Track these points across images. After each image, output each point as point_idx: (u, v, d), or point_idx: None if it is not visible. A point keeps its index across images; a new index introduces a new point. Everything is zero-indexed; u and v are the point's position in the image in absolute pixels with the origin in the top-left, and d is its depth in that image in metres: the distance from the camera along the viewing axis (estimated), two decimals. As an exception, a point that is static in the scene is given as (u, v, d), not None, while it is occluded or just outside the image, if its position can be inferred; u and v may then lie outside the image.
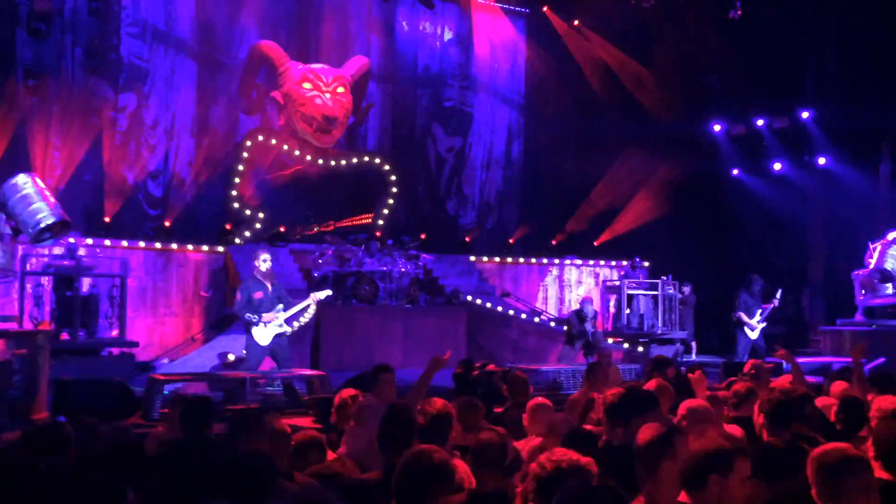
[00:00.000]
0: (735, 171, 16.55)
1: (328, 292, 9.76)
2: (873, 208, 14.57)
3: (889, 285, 11.25)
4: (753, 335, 11.77)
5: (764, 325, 11.80)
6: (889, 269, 11.15)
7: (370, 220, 14.92)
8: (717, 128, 16.62)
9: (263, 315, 8.56)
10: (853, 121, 14.44)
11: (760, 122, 16.00)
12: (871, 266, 11.49)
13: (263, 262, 8.83)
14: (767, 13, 14.49)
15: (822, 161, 15.51)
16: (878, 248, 11.85)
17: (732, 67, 15.67)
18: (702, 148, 16.52)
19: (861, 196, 14.62)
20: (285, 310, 8.76)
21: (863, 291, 11.66)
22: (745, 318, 11.78)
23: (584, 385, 6.34)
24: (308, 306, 9.35)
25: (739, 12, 13.76)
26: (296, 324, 9.93)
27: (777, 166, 16.01)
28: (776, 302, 11.76)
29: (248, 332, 8.75)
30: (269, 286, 8.80)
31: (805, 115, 15.40)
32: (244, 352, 8.99)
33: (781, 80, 15.52)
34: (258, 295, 8.64)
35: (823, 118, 15.13)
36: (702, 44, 16.02)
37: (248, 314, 8.60)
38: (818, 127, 15.29)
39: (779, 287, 11.85)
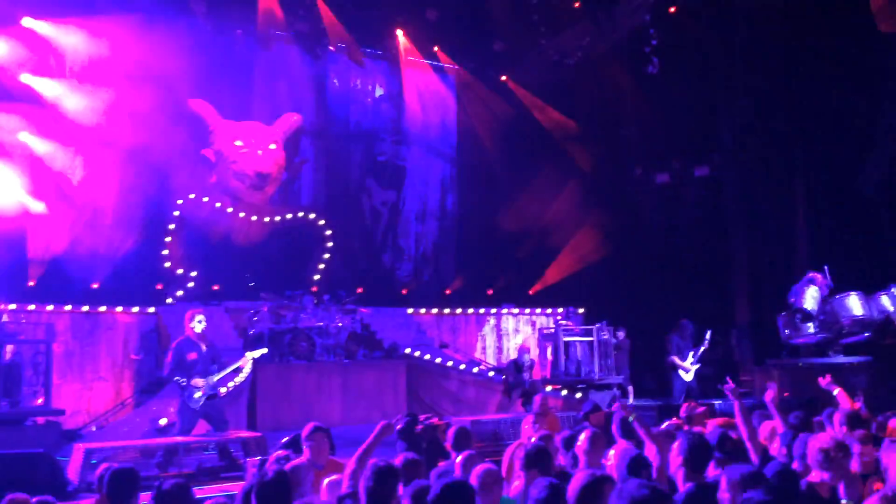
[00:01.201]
0: (658, 218, 17.10)
1: (263, 351, 9.60)
2: (792, 248, 15.20)
3: (810, 324, 11.72)
4: (688, 377, 12.08)
5: (697, 366, 12.12)
6: (808, 308, 11.64)
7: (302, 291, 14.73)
8: (642, 176, 17.19)
9: (193, 380, 8.34)
10: (767, 163, 15.18)
11: (681, 170, 16.64)
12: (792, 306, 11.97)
13: (199, 322, 8.65)
14: (681, 67, 15.23)
15: (741, 205, 16.16)
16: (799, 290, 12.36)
17: (652, 118, 16.35)
18: (627, 196, 17.08)
19: (780, 237, 15.27)
20: (219, 371, 8.58)
21: (786, 331, 12.12)
22: (678, 361, 12.10)
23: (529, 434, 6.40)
24: (242, 366, 9.16)
25: (657, 67, 14.42)
26: (231, 384, 9.73)
27: (698, 212, 16.61)
28: (706, 343, 12.12)
29: (180, 396, 8.52)
30: (203, 347, 8.62)
31: (722, 161, 16.11)
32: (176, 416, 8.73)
33: (698, 130, 16.26)
34: (192, 356, 8.44)
35: (740, 163, 15.83)
36: (622, 97, 16.71)
37: (176, 377, 8.38)
38: (735, 172, 15.99)
39: (708, 329, 12.21)
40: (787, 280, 13.04)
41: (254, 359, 9.17)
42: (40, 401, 9.89)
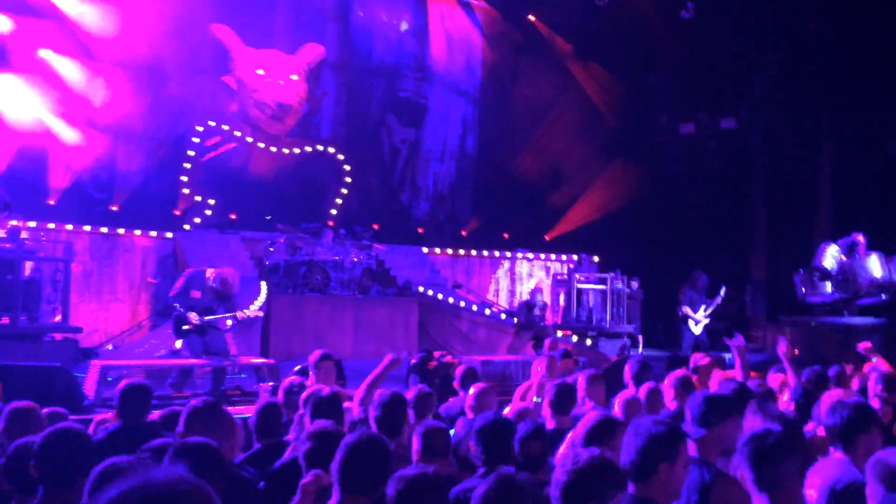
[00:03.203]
0: (680, 169, 16.88)
1: (256, 311, 9.51)
2: (815, 208, 15.01)
3: (828, 283, 11.63)
4: (697, 329, 12.07)
5: (708, 320, 12.10)
6: (828, 267, 11.53)
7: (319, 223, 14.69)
8: (666, 125, 16.92)
9: (189, 313, 8.35)
10: (796, 121, 14.87)
11: (707, 122, 16.34)
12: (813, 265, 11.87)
13: (210, 277, 8.58)
14: (716, 15, 14.81)
15: (765, 161, 15.92)
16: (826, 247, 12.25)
17: (682, 67, 15.98)
18: (650, 145, 16.83)
19: (803, 196, 15.05)
20: (221, 313, 8.54)
21: (803, 289, 12.03)
22: (689, 312, 12.07)
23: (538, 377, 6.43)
24: (238, 317, 9.06)
25: (692, 13, 14.02)
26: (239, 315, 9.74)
27: (721, 166, 16.38)
28: (720, 298, 12.07)
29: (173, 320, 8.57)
30: (212, 289, 8.55)
31: (749, 115, 15.79)
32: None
33: (728, 81, 15.89)
34: (195, 294, 8.46)
35: (767, 119, 15.53)
36: (652, 43, 16.31)
37: (176, 303, 8.40)
38: (762, 127, 15.69)
39: (722, 285, 12.15)
40: (806, 239, 12.92)
41: (244, 317, 9.07)
42: (58, 318, 10.03)
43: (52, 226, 11.54)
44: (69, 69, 12.84)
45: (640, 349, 13.32)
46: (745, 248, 15.74)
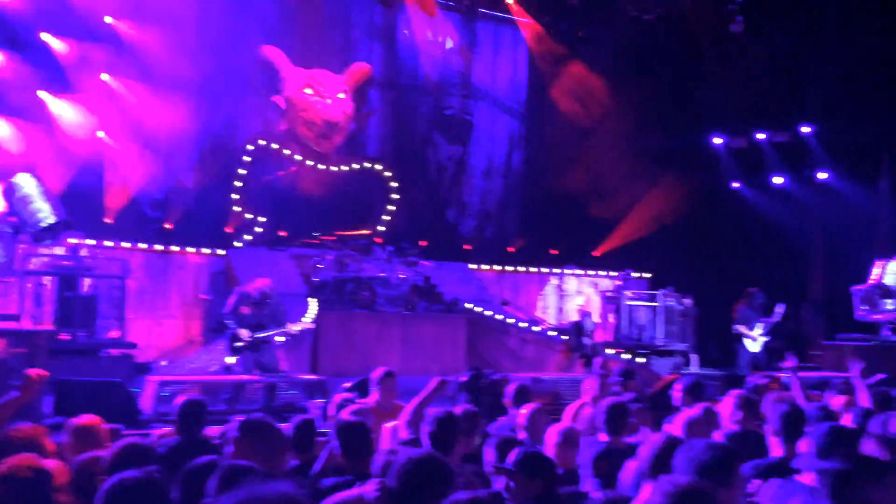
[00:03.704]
0: (735, 185, 16.59)
1: (306, 324, 9.67)
2: (873, 224, 14.61)
3: (889, 301, 11.28)
4: (754, 347, 11.78)
5: (766, 338, 11.80)
6: (889, 284, 11.19)
7: (370, 232, 14.85)
8: (717, 141, 16.68)
9: (239, 329, 8.49)
10: (853, 136, 14.51)
11: (761, 136, 16.06)
12: (872, 282, 11.52)
13: (257, 290, 8.77)
14: (767, 27, 14.58)
15: (822, 176, 15.57)
16: (882, 264, 11.91)
17: (732, 81, 15.75)
18: (702, 161, 16.59)
19: (861, 211, 14.67)
20: (270, 329, 8.68)
21: (862, 307, 11.69)
22: (744, 330, 11.79)
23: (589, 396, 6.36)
24: (288, 332, 9.20)
25: (742, 26, 13.82)
26: (292, 330, 9.85)
27: (777, 180, 16.05)
28: (777, 316, 11.77)
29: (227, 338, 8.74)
30: (262, 304, 8.73)
31: (805, 129, 15.46)
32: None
33: (782, 94, 15.60)
34: (245, 310, 8.61)
35: (823, 133, 15.19)
36: (701, 56, 16.12)
37: (228, 321, 8.58)
38: (818, 142, 15.35)
39: (780, 302, 11.86)
40: (865, 256, 12.57)
41: (293, 332, 9.21)
42: (115, 333, 10.26)
43: (109, 244, 11.83)
44: (126, 91, 13.21)
45: (695, 368, 13.07)
46: (802, 264, 15.38)
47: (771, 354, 12.01)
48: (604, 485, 3.59)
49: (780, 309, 11.85)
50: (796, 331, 14.42)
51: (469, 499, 2.68)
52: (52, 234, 8.85)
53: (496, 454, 3.81)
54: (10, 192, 8.41)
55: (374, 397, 5.69)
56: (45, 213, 8.57)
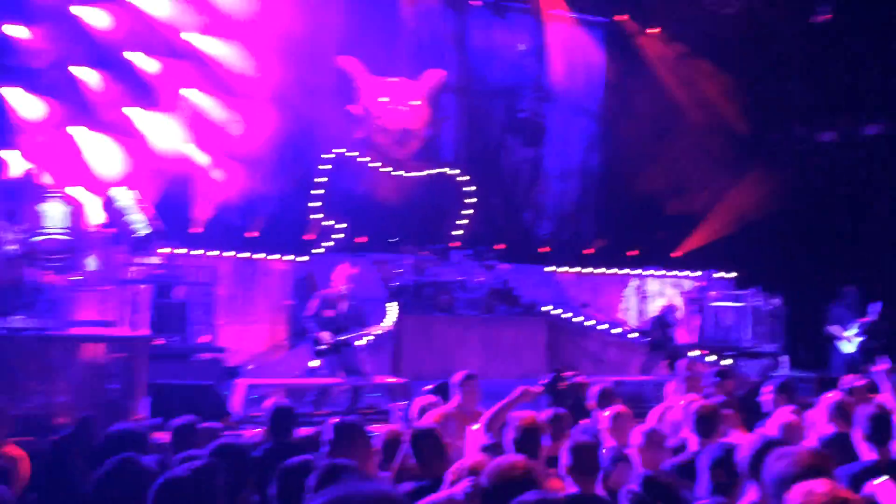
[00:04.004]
0: (823, 179, 15.96)
1: (387, 326, 9.81)
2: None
3: None
4: (849, 348, 11.30)
5: (861, 339, 11.30)
6: None
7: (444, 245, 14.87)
8: (805, 134, 16.09)
9: (321, 332, 8.64)
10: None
11: (850, 130, 15.43)
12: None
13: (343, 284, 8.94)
14: (853, 16, 13.99)
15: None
16: None
17: (818, 72, 15.18)
18: (789, 155, 16.03)
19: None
20: (352, 332, 8.82)
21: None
22: (838, 331, 11.33)
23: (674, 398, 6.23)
24: (370, 333, 9.33)
25: (828, 16, 13.30)
26: (371, 335, 10.00)
27: (867, 174, 15.36)
28: (872, 315, 11.27)
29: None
30: (344, 305, 8.87)
31: (894, 118, 14.78)
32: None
33: (870, 85, 14.94)
34: (328, 313, 8.77)
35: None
36: (784, 48, 15.59)
37: (310, 324, 8.76)
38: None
39: (875, 301, 11.36)
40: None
41: (374, 334, 9.35)
42: (206, 338, 10.64)
43: (198, 252, 12.28)
44: (209, 106, 13.70)
45: (784, 370, 12.64)
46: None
47: (867, 355, 11.51)
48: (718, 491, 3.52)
49: (875, 308, 11.34)
50: (893, 330, 13.75)
51: (538, 499, 2.68)
52: (147, 244, 9.24)
53: (571, 458, 3.78)
54: (108, 205, 8.84)
55: (455, 401, 5.72)
56: (141, 224, 8.96)
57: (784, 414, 4.99)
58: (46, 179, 9.40)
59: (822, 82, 15.20)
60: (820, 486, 2.38)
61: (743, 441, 4.72)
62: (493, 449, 4.46)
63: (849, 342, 11.25)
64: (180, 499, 2.77)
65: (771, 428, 4.77)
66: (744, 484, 3.34)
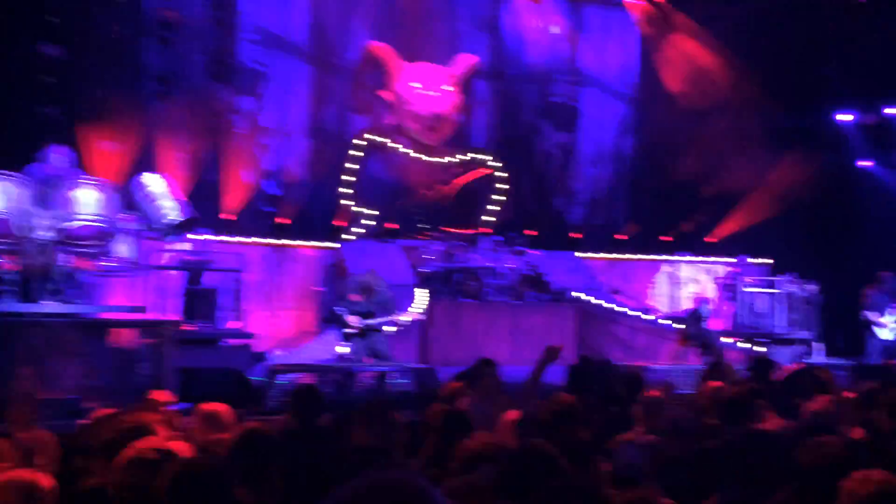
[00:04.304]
0: (863, 163, 15.55)
1: (416, 314, 9.76)
2: None
3: None
4: (887, 335, 11.01)
5: (899, 325, 11.03)
6: None
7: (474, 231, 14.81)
8: (843, 117, 15.67)
9: (349, 317, 8.64)
10: None
11: (890, 111, 14.98)
12: None
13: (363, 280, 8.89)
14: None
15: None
16: None
17: (858, 54, 14.75)
18: (826, 139, 15.64)
19: None
20: (379, 316, 8.80)
21: None
22: (874, 317, 11.05)
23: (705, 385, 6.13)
24: (396, 321, 9.28)
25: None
26: (399, 321, 9.99)
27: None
28: (910, 301, 10.98)
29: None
30: (371, 292, 8.84)
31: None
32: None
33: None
34: (355, 297, 8.75)
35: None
36: (823, 31, 15.17)
37: (338, 309, 8.76)
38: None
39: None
40: None
41: (400, 322, 9.30)
42: (235, 324, 10.74)
43: (228, 239, 12.38)
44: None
45: (819, 357, 12.38)
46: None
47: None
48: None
49: None
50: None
51: (562, 485, 2.62)
52: (178, 230, 9.32)
53: None
54: (139, 191, 8.92)
55: (461, 385, 5.69)
56: (171, 210, 9.03)
57: (818, 402, 4.87)
58: (80, 165, 9.52)
59: (861, 64, 14.76)
60: (875, 474, 2.32)
61: (772, 428, 4.63)
62: (525, 424, 4.42)
63: (885, 328, 10.96)
64: (194, 485, 2.75)
65: (803, 415, 4.67)
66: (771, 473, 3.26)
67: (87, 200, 8.20)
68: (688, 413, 5.11)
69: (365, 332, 8.69)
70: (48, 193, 8.09)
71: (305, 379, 8.29)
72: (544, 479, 2.81)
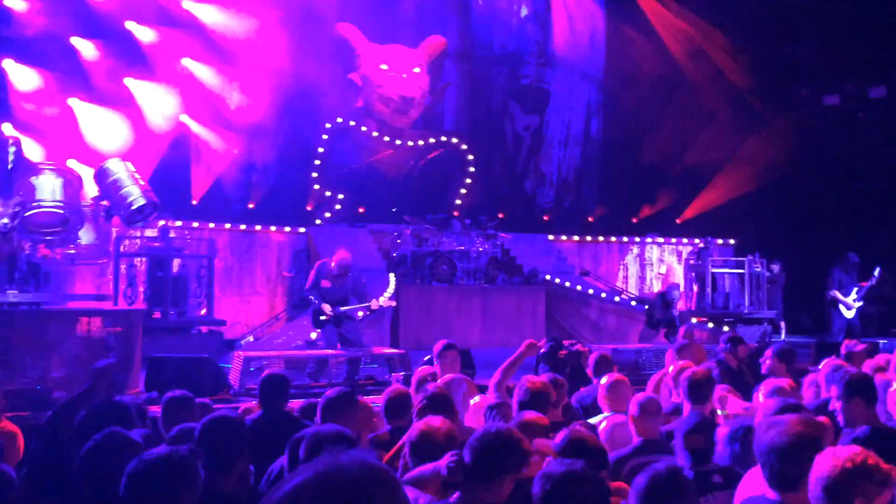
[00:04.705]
0: (826, 143, 15.78)
1: (388, 301, 9.68)
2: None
3: None
4: (849, 314, 11.24)
5: (860, 304, 11.24)
6: None
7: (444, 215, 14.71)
8: (808, 98, 15.86)
9: (322, 303, 8.54)
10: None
11: (854, 91, 15.19)
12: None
13: (335, 265, 8.69)
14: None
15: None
16: None
17: (824, 34, 14.92)
18: (791, 119, 15.83)
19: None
20: (353, 304, 8.71)
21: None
22: (839, 296, 11.26)
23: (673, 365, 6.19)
24: (371, 307, 9.18)
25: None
26: (361, 313, 9.94)
27: (871, 138, 15.17)
28: (874, 280, 11.18)
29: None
30: (342, 277, 8.69)
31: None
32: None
33: (876, 47, 14.67)
34: (325, 283, 8.65)
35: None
36: (791, 10, 15.30)
37: (311, 296, 8.67)
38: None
39: (877, 266, 11.26)
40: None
41: (378, 306, 9.20)
42: (203, 311, 10.63)
43: (195, 224, 12.23)
44: (207, 75, 13.56)
45: (783, 336, 12.61)
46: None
47: (867, 321, 11.46)
48: (695, 459, 3.49)
49: (877, 272, 11.25)
50: (894, 295, 13.69)
51: (563, 472, 2.62)
52: (142, 216, 9.17)
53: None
54: (102, 177, 8.76)
55: (436, 369, 5.70)
56: (136, 196, 8.88)
57: (777, 381, 4.95)
58: (37, 151, 9.33)
59: (827, 45, 14.94)
60: (844, 451, 2.34)
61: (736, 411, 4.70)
62: (500, 408, 4.44)
63: (848, 308, 11.18)
64: (152, 483, 2.67)
65: (762, 395, 4.73)
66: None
67: (47, 187, 8.05)
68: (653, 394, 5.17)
69: (339, 320, 8.65)
70: (5, 180, 7.92)
71: (276, 366, 8.24)
72: (510, 462, 2.83)
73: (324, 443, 3.13)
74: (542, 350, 8.13)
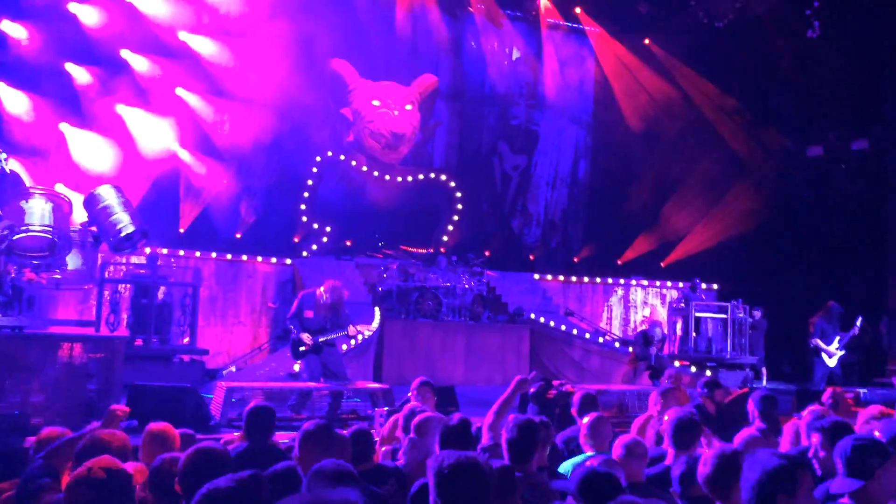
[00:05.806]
0: (808, 194, 16.05)
1: (367, 328, 9.71)
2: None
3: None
4: (831, 363, 11.34)
5: (842, 353, 11.35)
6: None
7: (431, 251, 14.83)
8: (791, 149, 16.16)
9: (302, 333, 8.50)
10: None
11: (836, 143, 15.50)
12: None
13: (324, 293, 8.67)
14: (843, 33, 14.07)
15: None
16: None
17: (807, 87, 15.27)
18: (775, 169, 16.11)
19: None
20: (327, 332, 8.65)
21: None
22: (822, 344, 11.36)
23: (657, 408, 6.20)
24: (350, 334, 9.11)
25: (818, 31, 13.39)
26: (353, 342, 9.91)
27: (853, 189, 15.45)
28: (856, 330, 11.30)
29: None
30: (326, 309, 8.66)
31: (882, 135, 14.87)
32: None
33: (858, 101, 15.03)
34: (308, 314, 8.62)
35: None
36: (775, 63, 15.67)
37: (291, 325, 8.61)
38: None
39: (859, 315, 11.40)
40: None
41: (357, 333, 9.18)
42: (186, 340, 10.54)
43: (182, 252, 12.20)
44: (200, 105, 13.65)
45: (764, 382, 12.67)
46: (881, 275, 14.75)
47: (846, 369, 11.55)
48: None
49: (859, 322, 11.38)
50: (874, 344, 13.84)
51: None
52: (130, 243, 9.13)
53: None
54: (92, 203, 8.73)
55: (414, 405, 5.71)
56: (125, 223, 8.85)
57: (749, 430, 4.98)
58: (25, 175, 9.31)
59: (811, 97, 15.27)
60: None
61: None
62: (493, 450, 4.41)
63: (830, 357, 11.28)
64: None
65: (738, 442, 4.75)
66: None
67: (36, 211, 8.01)
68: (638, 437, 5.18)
69: (318, 348, 8.59)
70: (-4, 204, 7.88)
71: (259, 398, 8.17)
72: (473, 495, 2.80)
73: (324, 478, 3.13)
74: (531, 390, 8.14)
